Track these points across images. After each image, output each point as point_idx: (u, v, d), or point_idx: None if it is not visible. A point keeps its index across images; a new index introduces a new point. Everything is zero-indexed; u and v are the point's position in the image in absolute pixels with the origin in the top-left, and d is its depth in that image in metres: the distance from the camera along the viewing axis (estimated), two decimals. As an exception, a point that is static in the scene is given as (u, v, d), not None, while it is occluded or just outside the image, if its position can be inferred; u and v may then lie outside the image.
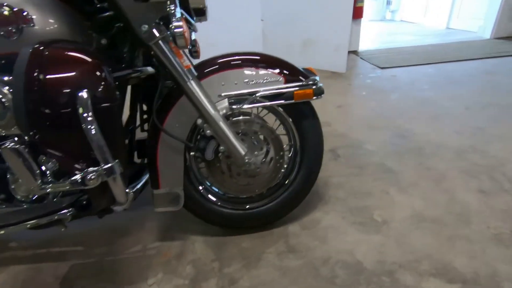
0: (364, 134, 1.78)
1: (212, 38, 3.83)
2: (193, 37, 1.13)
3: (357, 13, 3.71)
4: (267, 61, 0.93)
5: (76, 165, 0.64)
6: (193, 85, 0.83)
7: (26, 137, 0.66)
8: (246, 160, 0.91)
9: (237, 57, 0.92)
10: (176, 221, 1.19)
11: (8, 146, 0.62)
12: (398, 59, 3.43)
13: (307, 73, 0.96)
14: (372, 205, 1.20)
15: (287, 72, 0.93)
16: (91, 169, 0.64)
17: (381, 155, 1.55)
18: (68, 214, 0.77)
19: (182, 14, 0.80)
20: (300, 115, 1.00)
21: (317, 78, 0.96)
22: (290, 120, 1.01)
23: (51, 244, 1.13)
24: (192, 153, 0.94)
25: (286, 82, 0.92)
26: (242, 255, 1.02)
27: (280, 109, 1.00)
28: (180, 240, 1.10)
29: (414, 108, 2.10)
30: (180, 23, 0.71)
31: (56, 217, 0.76)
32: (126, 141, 1.01)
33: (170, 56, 0.79)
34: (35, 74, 0.60)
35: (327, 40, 3.14)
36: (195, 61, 0.94)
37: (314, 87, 0.93)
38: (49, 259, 1.07)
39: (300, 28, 3.32)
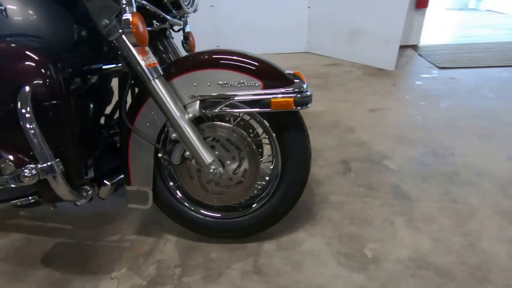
0: (390, 146, 1.54)
1: (257, 24, 3.70)
2: (187, 29, 1.07)
3: (421, 1, 3.21)
4: (246, 62, 0.81)
5: (17, 162, 0.65)
6: (157, 84, 0.77)
7: None
8: (211, 170, 0.83)
9: (214, 56, 0.83)
10: (160, 216, 1.19)
11: None
12: (465, 58, 2.90)
13: (292, 79, 0.82)
14: (367, 236, 1.03)
15: (268, 76, 0.81)
16: (28, 166, 0.64)
17: (400, 175, 1.32)
18: (31, 201, 0.80)
19: (141, 8, 0.74)
20: (282, 125, 0.87)
21: (305, 85, 0.82)
22: (271, 130, 0.89)
23: (49, 219, 1.23)
24: (159, 155, 0.90)
25: (265, 87, 0.80)
26: (206, 266, 0.96)
27: (260, 117, 0.89)
28: (155, 237, 1.10)
29: (466, 121, 1.75)
30: (128, 18, 0.65)
31: (18, 203, 0.79)
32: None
33: (133, 53, 0.74)
34: None
35: (376, 32, 2.79)
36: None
37: (297, 95, 0.79)
38: (42, 232, 1.16)
39: (348, 17, 3.00)
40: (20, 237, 1.16)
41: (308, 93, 0.82)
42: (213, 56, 0.83)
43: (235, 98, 0.81)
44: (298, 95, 0.79)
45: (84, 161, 0.84)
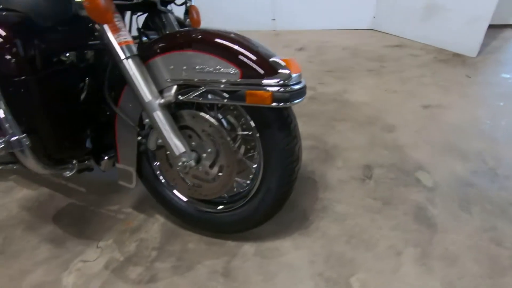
0: (432, 156, 1.26)
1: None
2: (190, 3, 0.98)
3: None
4: (224, 45, 0.70)
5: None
6: (129, 64, 0.72)
7: None
8: (180, 162, 0.77)
9: (192, 36, 0.73)
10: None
11: None
12: None
13: (277, 68, 0.68)
14: (361, 262, 0.87)
15: (246, 64, 0.68)
16: (-2, 139, 0.68)
17: (433, 194, 1.07)
18: (14, 167, 0.86)
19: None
20: (263, 123, 0.75)
21: (293, 77, 0.67)
22: (253, 126, 0.77)
23: (73, 180, 1.35)
24: (138, 138, 0.87)
25: (243, 76, 0.68)
26: (180, 256, 0.94)
27: (242, 109, 0.78)
28: (147, 215, 1.12)
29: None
30: None
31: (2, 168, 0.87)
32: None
33: (103, 29, 0.69)
34: None
35: (460, 7, 2.25)
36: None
37: (276, 89, 0.66)
38: (63, 191, 1.29)
39: (425, -12, 2.47)
40: (46, 191, 1.31)
41: (296, 86, 0.67)
42: (192, 36, 0.73)
43: (208, 86, 0.71)
44: (278, 89, 0.65)
45: (70, 134, 0.86)
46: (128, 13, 0.92)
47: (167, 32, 0.94)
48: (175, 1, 0.96)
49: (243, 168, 0.89)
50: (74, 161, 0.89)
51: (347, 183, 1.16)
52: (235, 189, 0.94)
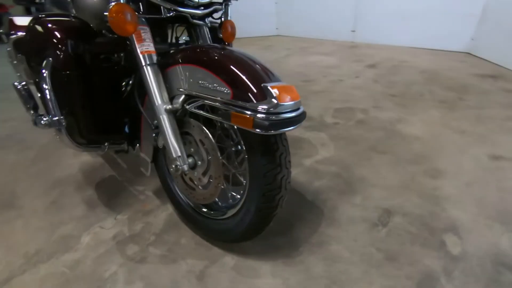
0: (474, 219, 1.05)
1: (412, 8, 2.99)
2: (226, 17, 1.04)
3: None
4: (222, 65, 0.73)
5: (44, 113, 0.88)
6: (148, 71, 0.83)
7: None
8: (174, 165, 0.85)
9: (198, 52, 0.80)
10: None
11: (18, 86, 0.93)
12: None
13: (266, 94, 0.68)
14: (334, 313, 0.80)
15: (238, 86, 0.70)
16: (44, 117, 0.86)
17: (454, 265, 0.90)
18: None
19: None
20: (250, 144, 0.76)
21: (282, 105, 0.67)
22: (242, 144, 0.79)
23: (123, 155, 1.59)
24: (153, 135, 0.97)
25: (233, 97, 0.70)
26: (171, 247, 1.03)
27: (233, 128, 0.80)
28: (162, 201, 1.25)
29: None
30: (109, 7, 0.70)
31: None
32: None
33: (132, 39, 0.81)
34: (27, 38, 0.83)
35: None
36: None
37: (260, 115, 0.66)
38: (111, 163, 1.54)
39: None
40: (100, 160, 1.57)
41: (286, 115, 0.67)
42: (199, 52, 0.79)
43: (205, 101, 0.76)
44: (262, 116, 0.66)
45: (103, 121, 1.02)
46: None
47: (198, 43, 1.02)
48: (213, 15, 1.03)
49: (237, 182, 0.92)
50: (106, 144, 1.05)
51: (356, 224, 1.06)
52: (230, 200, 0.97)
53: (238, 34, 1.07)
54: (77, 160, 1.60)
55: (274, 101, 0.66)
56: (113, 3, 0.71)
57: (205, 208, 1.00)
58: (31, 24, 0.89)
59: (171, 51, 0.87)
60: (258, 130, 0.66)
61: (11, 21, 1.43)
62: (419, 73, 2.50)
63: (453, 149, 1.43)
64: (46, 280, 0.94)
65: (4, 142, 1.64)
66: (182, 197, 1.05)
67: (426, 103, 1.94)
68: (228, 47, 0.81)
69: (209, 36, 1.03)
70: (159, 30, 1.03)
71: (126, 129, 1.08)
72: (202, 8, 0.91)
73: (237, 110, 0.69)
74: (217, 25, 1.06)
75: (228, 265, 0.95)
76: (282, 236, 1.03)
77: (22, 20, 1.39)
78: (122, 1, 0.73)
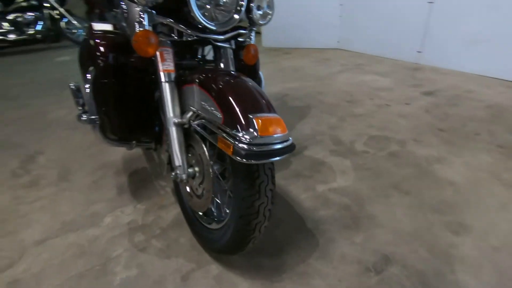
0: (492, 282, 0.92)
1: (484, 33, 2.61)
2: (251, 41, 1.10)
3: None
4: (220, 91, 0.80)
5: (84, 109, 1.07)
6: (165, 87, 0.94)
7: None
8: (173, 173, 0.95)
9: (203, 75, 0.87)
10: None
11: (72, 86, 1.14)
12: None
13: (250, 126, 0.72)
14: None
15: (228, 113, 0.76)
16: (84, 115, 1.06)
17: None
18: None
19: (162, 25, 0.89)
20: (235, 167, 0.82)
21: (262, 137, 0.71)
22: (231, 166, 0.85)
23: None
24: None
25: (224, 122, 0.77)
26: (170, 244, 1.14)
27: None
28: (176, 200, 1.38)
29: None
30: (137, 31, 0.83)
31: None
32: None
33: (156, 58, 0.93)
34: (85, 46, 1.03)
35: None
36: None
37: (240, 145, 0.71)
38: (147, 155, 1.74)
39: None
40: (139, 152, 1.79)
41: (265, 148, 0.71)
42: (207, 76, 0.87)
43: (202, 121, 0.84)
44: (242, 145, 0.71)
45: (131, 123, 1.17)
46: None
47: (219, 64, 1.10)
48: (238, 38, 1.10)
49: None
50: (134, 142, 1.22)
51: (348, 263, 1.02)
52: (223, 214, 1.04)
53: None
54: (122, 148, 1.84)
55: (254, 133, 0.71)
56: (138, 30, 0.84)
57: (203, 215, 1.09)
58: (85, 36, 1.09)
59: (191, 71, 0.97)
60: (236, 157, 0.71)
61: (91, 27, 1.73)
62: (483, 107, 2.20)
63: (492, 204, 1.25)
64: (69, 248, 1.14)
65: (76, 124, 1.98)
66: (184, 200, 1.15)
67: (479, 145, 1.71)
68: (236, 74, 0.88)
69: (232, 57, 1.10)
70: (189, 48, 1.15)
71: (156, 130, 1.23)
72: (224, 33, 0.99)
73: (223, 135, 0.75)
74: (244, 45, 1.13)
75: (212, 273, 1.02)
76: (269, 257, 1.06)
77: (101, 26, 1.67)
78: (147, 28, 0.85)
